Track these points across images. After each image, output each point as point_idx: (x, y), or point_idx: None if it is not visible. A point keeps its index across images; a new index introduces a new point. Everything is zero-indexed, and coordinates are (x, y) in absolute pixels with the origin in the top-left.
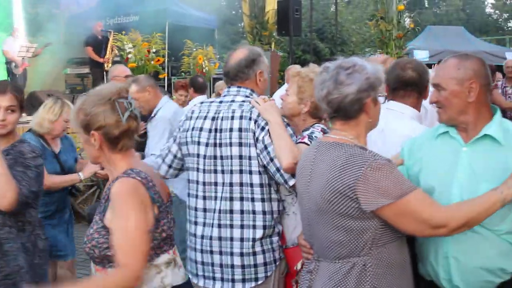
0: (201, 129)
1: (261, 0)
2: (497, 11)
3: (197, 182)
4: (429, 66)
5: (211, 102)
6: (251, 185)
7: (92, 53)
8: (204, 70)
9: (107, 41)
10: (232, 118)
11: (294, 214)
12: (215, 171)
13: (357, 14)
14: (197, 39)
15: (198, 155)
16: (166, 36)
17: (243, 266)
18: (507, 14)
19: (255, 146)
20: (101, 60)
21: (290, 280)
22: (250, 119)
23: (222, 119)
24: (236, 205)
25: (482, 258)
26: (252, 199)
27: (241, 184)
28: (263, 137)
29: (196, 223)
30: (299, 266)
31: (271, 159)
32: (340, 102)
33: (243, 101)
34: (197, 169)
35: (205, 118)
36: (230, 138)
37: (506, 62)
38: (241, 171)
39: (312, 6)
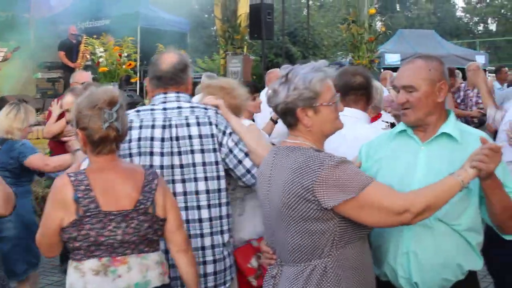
0: (152, 139)
1: (233, 3)
2: (467, 15)
3: None
4: None
5: (151, 110)
6: (219, 190)
7: (64, 58)
8: None
9: (79, 46)
10: (188, 125)
11: (238, 216)
12: (173, 181)
13: (329, 18)
14: (169, 42)
15: (151, 166)
16: (138, 40)
17: (215, 273)
18: (478, 18)
19: (220, 151)
20: (72, 65)
21: (245, 278)
22: (210, 124)
23: (176, 127)
24: (205, 213)
25: (441, 254)
26: (220, 205)
27: (207, 191)
28: (226, 141)
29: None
30: (254, 263)
31: (240, 161)
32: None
33: (192, 107)
34: None
35: (153, 127)
36: (191, 145)
37: (468, 66)
38: (206, 178)
39: (285, 10)
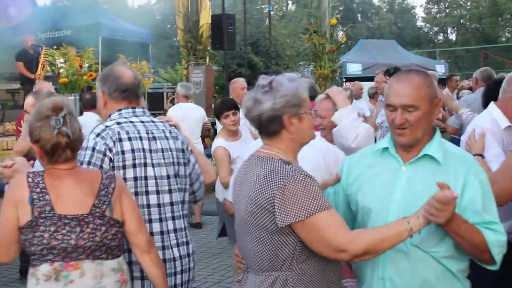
0: (143, 150)
1: (195, 14)
2: (427, 25)
3: (149, 205)
4: (362, 79)
5: (131, 122)
6: (183, 202)
7: (23, 69)
8: None
9: (38, 56)
10: (166, 138)
11: None
12: (160, 191)
13: (291, 28)
14: (131, 53)
15: (146, 178)
16: (99, 50)
17: (188, 281)
18: (438, 28)
19: (188, 165)
20: (32, 76)
21: None
22: (179, 139)
23: (159, 139)
24: (180, 223)
25: (417, 281)
26: (181, 216)
27: (178, 203)
28: (191, 157)
29: None
30: None
31: (198, 176)
32: (258, 120)
33: (162, 122)
34: (147, 192)
35: (141, 138)
36: (172, 157)
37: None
38: (180, 190)
39: (246, 20)
